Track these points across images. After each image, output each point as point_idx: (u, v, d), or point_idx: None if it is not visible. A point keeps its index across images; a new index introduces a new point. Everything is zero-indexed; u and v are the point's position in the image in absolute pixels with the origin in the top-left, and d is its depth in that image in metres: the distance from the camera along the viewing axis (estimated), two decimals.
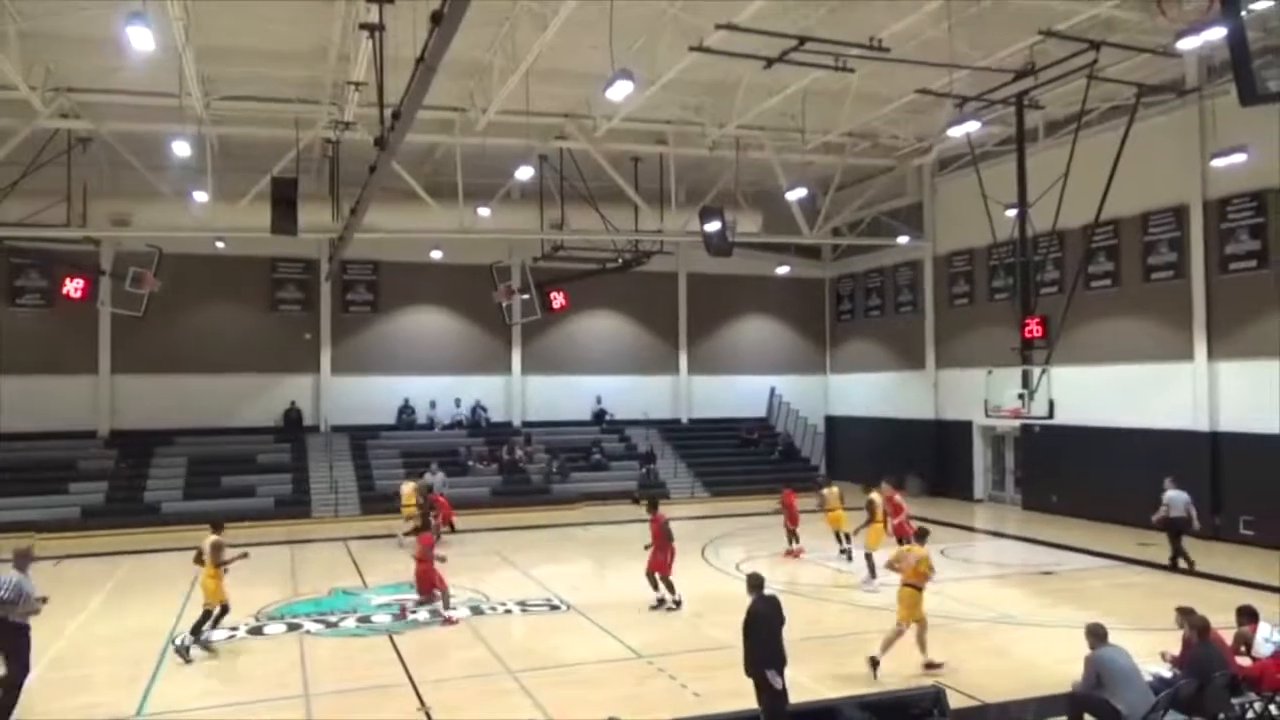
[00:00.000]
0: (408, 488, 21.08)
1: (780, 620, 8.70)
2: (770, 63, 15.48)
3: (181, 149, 19.91)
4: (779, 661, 8.43)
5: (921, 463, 28.60)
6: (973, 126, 18.76)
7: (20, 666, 9.66)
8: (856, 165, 27.26)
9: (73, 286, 22.71)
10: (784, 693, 8.38)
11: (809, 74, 17.76)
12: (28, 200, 20.62)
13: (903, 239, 29.02)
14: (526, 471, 28.45)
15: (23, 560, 9.99)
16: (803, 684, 9.81)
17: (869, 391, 32.11)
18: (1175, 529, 16.66)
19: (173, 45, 15.73)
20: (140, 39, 13.46)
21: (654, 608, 14.29)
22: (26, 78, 17.93)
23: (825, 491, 18.37)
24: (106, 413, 27.11)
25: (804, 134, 22.23)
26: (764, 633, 8.49)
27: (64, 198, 20.99)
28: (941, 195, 28.39)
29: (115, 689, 10.90)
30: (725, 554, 18.43)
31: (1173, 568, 16.56)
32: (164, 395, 27.35)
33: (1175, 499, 16.72)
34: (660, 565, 14.46)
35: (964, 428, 27.19)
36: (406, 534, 19.73)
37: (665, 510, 15.40)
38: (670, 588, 14.48)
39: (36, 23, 16.46)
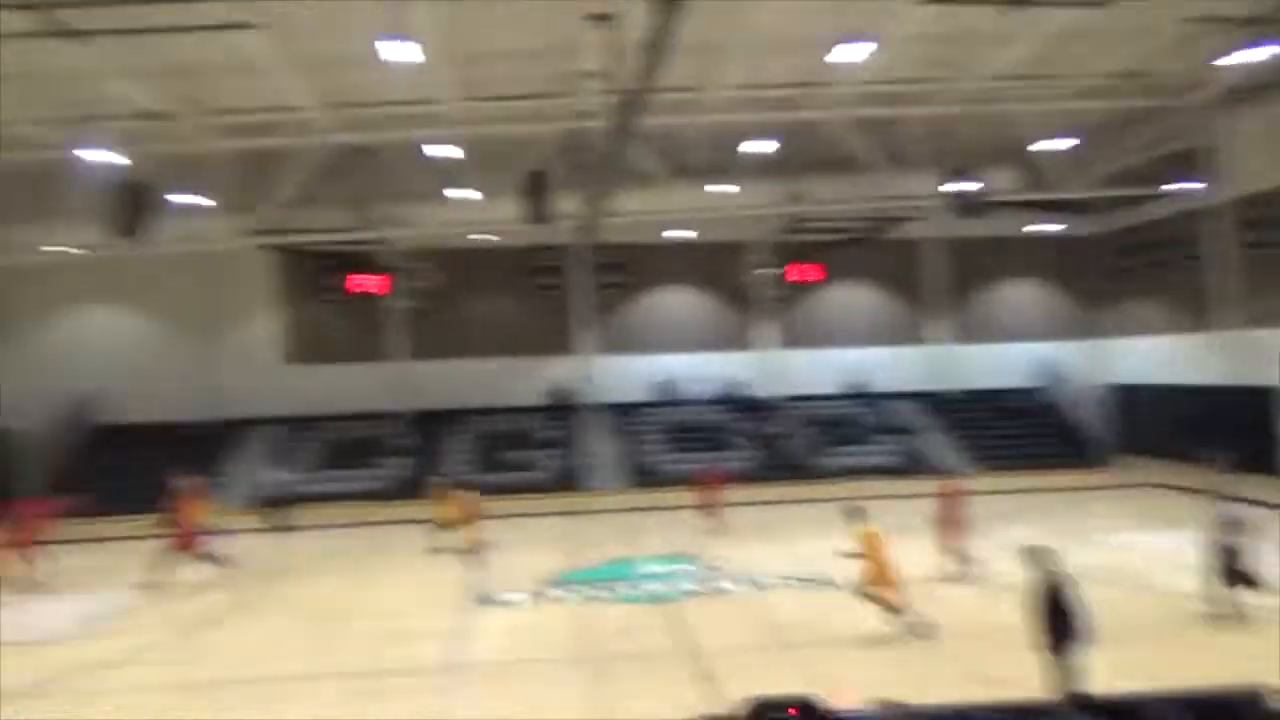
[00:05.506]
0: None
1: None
2: (1008, 5, 14.29)
3: (444, 151, 21.53)
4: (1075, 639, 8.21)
5: (1229, 435, 25.46)
6: (1264, 53, 16.10)
7: None
8: (1123, 108, 24.41)
9: (366, 283, 25.53)
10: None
11: (1056, 14, 16.21)
12: (319, 209, 23.32)
13: (1184, 185, 25.80)
14: (786, 447, 28.46)
15: None
16: (1099, 673, 9.14)
17: (1159, 356, 29.00)
18: None
19: (428, 55, 16.71)
20: (402, 53, 14.85)
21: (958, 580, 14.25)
22: (309, 99, 19.86)
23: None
24: (406, 395, 29.59)
25: (1058, 80, 20.25)
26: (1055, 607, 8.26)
27: (351, 204, 23.52)
28: (1230, 133, 24.87)
29: (431, 639, 12.28)
30: (1001, 532, 17.34)
31: None
32: (451, 378, 29.75)
33: None
34: (952, 535, 14.65)
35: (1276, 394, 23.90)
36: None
37: (928, 485, 15.04)
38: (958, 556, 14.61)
39: (306, 44, 17.28)
